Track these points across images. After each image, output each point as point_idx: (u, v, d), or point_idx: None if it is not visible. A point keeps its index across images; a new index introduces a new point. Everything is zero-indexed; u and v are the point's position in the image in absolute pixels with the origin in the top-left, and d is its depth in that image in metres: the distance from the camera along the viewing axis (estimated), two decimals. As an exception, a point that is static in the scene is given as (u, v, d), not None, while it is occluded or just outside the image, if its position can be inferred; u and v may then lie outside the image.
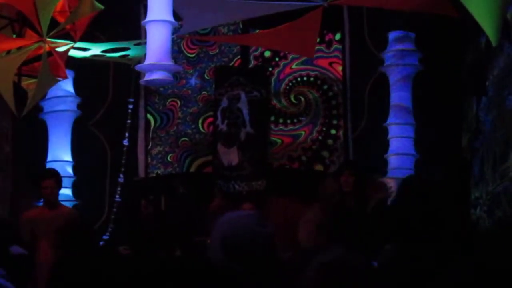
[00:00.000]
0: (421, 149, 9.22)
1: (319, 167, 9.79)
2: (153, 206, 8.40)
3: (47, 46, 7.02)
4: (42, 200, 7.49)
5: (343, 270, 2.74)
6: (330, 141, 9.88)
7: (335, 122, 9.91)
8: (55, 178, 7.21)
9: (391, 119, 9.33)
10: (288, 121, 10.01)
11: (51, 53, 7.17)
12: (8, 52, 6.86)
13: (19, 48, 6.95)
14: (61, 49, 7.45)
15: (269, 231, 2.88)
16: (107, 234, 9.21)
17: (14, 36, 7.22)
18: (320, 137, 9.90)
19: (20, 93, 7.64)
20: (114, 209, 9.67)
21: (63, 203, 8.74)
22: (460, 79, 8.65)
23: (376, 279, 3.16)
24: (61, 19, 6.88)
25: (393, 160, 9.20)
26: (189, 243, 7.49)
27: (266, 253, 2.87)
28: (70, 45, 7.55)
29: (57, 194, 7.29)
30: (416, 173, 8.87)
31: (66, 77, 8.18)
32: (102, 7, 6.72)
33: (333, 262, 2.77)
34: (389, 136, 9.34)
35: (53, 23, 6.94)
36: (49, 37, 7.03)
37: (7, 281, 3.62)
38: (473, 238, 6.36)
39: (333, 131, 9.90)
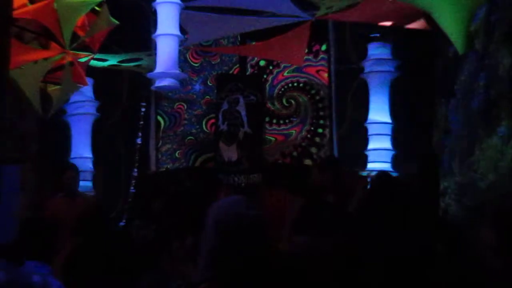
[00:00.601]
0: (397, 145, 9.29)
1: (308, 162, 9.77)
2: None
3: (69, 57, 7.04)
4: (64, 191, 7.37)
5: None
6: (317, 139, 9.92)
7: (321, 122, 9.95)
8: (75, 170, 7.36)
9: (370, 119, 9.39)
10: (281, 122, 10.05)
11: (73, 63, 7.19)
12: (35, 62, 6.84)
13: (45, 59, 6.93)
14: (82, 59, 7.43)
15: (255, 213, 2.83)
16: (123, 221, 9.10)
17: (40, 48, 7.06)
18: (308, 135, 9.94)
19: (46, 98, 7.54)
20: (129, 199, 9.56)
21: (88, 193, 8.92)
22: (432, 83, 8.66)
23: None
24: (81, 33, 6.88)
25: (372, 155, 9.24)
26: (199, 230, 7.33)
27: (253, 234, 2.78)
28: (90, 56, 7.53)
29: (77, 184, 7.42)
30: (391, 168, 8.89)
31: (86, 84, 8.20)
32: (117, 22, 6.69)
33: None
34: (369, 133, 9.39)
35: (75, 37, 6.92)
36: (71, 49, 7.02)
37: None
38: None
39: (320, 130, 9.94)
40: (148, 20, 8.27)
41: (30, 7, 6.03)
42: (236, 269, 2.71)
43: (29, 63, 6.76)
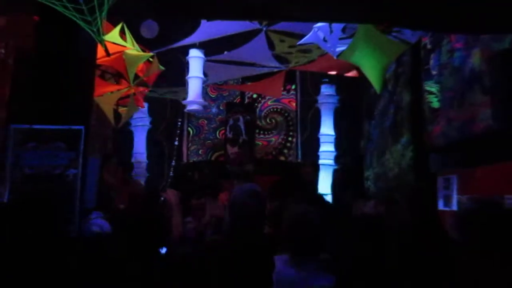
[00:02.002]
0: (338, 149, 9.26)
1: (282, 158, 9.80)
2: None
3: (133, 89, 6.99)
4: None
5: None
6: (288, 144, 9.92)
7: (291, 133, 9.95)
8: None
9: (322, 131, 9.35)
10: (265, 133, 10.01)
11: (135, 93, 7.16)
12: (111, 92, 6.82)
13: (117, 90, 6.88)
14: (141, 90, 7.39)
15: (255, 202, 2.54)
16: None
17: (115, 83, 7.01)
18: (282, 142, 9.93)
19: (117, 115, 7.50)
20: (169, 180, 9.48)
21: (142, 177, 8.79)
22: (360, 110, 8.70)
23: None
24: (140, 74, 6.79)
25: (322, 155, 9.20)
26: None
27: (255, 215, 2.54)
28: (147, 89, 7.50)
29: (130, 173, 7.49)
30: (333, 163, 8.88)
31: (143, 107, 8.27)
32: (163, 68, 6.67)
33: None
34: (320, 141, 9.35)
35: (136, 77, 6.80)
36: (134, 85, 6.94)
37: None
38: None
39: (289, 138, 9.94)
40: (183, 67, 8.24)
41: (108, 58, 6.00)
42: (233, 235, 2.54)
43: (107, 93, 6.77)
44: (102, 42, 2.47)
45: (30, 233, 2.10)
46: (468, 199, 4.53)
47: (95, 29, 2.35)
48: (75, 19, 2.34)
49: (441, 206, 5.06)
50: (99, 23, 2.34)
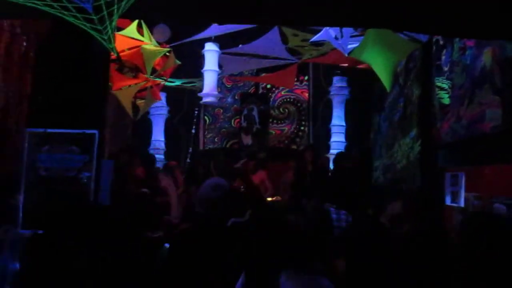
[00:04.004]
0: (348, 139, 9.15)
1: (293, 147, 9.67)
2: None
3: (150, 83, 6.91)
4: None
5: None
6: (300, 133, 9.83)
7: (303, 123, 9.85)
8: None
9: (333, 122, 9.25)
10: (278, 122, 9.90)
11: (152, 86, 7.07)
12: (129, 86, 6.75)
13: (135, 84, 6.81)
14: (159, 80, 7.28)
15: (218, 195, 2.74)
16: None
17: (133, 77, 7.00)
18: (295, 131, 9.83)
19: (135, 107, 7.44)
20: (186, 166, 9.46)
21: (161, 162, 8.75)
22: (370, 102, 8.54)
23: None
24: (158, 68, 6.69)
25: (333, 145, 9.12)
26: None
27: (220, 206, 2.72)
28: (164, 80, 7.40)
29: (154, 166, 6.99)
30: (344, 151, 8.74)
31: (160, 99, 8.21)
32: (179, 62, 6.60)
33: None
34: (332, 131, 9.26)
35: (153, 70, 6.77)
36: (151, 77, 6.86)
37: None
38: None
39: (302, 128, 9.85)
40: (199, 60, 8.15)
41: (127, 52, 5.93)
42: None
43: (125, 86, 6.70)
44: (114, 50, 2.38)
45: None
46: (476, 197, 4.41)
47: (105, 37, 2.26)
48: (85, 28, 2.25)
49: (448, 201, 4.95)
50: (109, 31, 2.24)
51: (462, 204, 4.64)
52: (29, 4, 2.05)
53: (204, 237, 2.58)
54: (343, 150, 8.24)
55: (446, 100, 5.48)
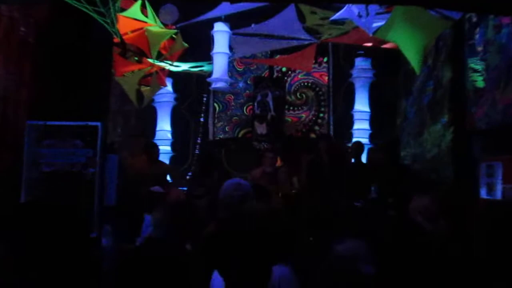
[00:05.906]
0: (372, 127, 9.07)
1: (312, 136, 9.56)
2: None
3: (155, 68, 6.88)
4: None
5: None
6: (319, 121, 9.68)
7: (322, 109, 9.70)
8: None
9: (355, 108, 9.17)
10: (295, 109, 9.79)
11: (157, 72, 7.06)
12: (133, 71, 6.71)
13: (139, 69, 6.80)
14: (164, 65, 7.23)
15: (240, 194, 2.81)
16: (191, 172, 9.09)
17: (137, 62, 7.01)
18: (313, 118, 9.70)
19: (140, 95, 7.46)
20: (195, 157, 9.51)
21: (165, 155, 8.78)
22: (397, 86, 8.48)
23: None
24: (164, 52, 6.70)
25: (356, 133, 9.01)
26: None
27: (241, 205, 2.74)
28: (169, 64, 7.32)
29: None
30: (368, 143, 8.70)
31: (166, 86, 8.08)
32: (187, 45, 6.57)
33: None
34: (354, 118, 9.17)
35: (159, 55, 6.71)
36: (157, 62, 6.83)
37: None
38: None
39: (321, 115, 9.70)
40: (208, 42, 8.10)
41: (130, 35, 5.91)
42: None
43: (129, 72, 6.69)
44: (117, 33, 2.40)
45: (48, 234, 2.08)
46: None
47: (109, 21, 2.28)
48: (88, 11, 2.27)
49: (483, 194, 4.91)
50: (112, 14, 2.26)
51: (498, 197, 4.60)
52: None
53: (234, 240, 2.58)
54: (373, 146, 8.14)
55: (480, 83, 5.41)
